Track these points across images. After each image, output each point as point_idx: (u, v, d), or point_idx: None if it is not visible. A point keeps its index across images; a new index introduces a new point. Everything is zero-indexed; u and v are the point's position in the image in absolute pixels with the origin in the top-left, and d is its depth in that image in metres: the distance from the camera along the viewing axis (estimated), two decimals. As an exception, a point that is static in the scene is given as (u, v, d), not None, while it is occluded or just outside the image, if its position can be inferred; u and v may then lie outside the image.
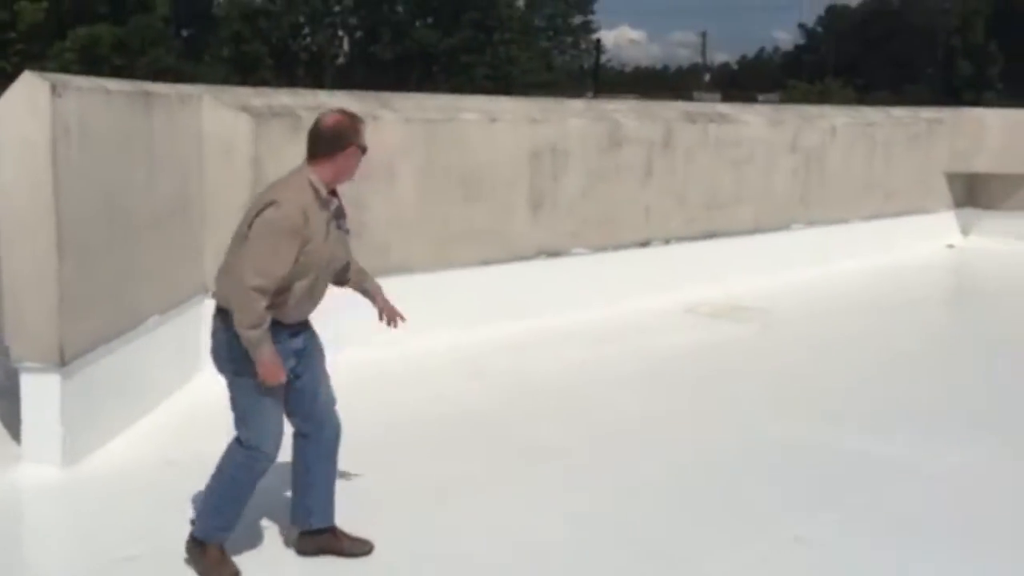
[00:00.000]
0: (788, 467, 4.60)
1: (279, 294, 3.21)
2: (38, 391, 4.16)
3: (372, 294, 3.66)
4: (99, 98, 4.61)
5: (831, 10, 75.85)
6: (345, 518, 3.63)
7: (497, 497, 4.16)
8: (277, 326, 3.26)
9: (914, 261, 10.23)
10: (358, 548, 3.54)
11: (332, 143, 3.32)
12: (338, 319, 5.03)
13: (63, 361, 4.15)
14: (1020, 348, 7.24)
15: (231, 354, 3.27)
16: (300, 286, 3.26)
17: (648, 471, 4.53)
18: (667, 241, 8.29)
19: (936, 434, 5.08)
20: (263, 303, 3.14)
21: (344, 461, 4.40)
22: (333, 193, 3.35)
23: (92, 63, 18.81)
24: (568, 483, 4.36)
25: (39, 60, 17.84)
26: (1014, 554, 3.78)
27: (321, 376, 3.53)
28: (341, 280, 3.57)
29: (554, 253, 7.48)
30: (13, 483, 4.10)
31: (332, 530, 3.54)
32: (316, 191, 3.26)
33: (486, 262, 7.02)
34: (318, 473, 3.52)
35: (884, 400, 5.76)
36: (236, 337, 3.20)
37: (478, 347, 6.36)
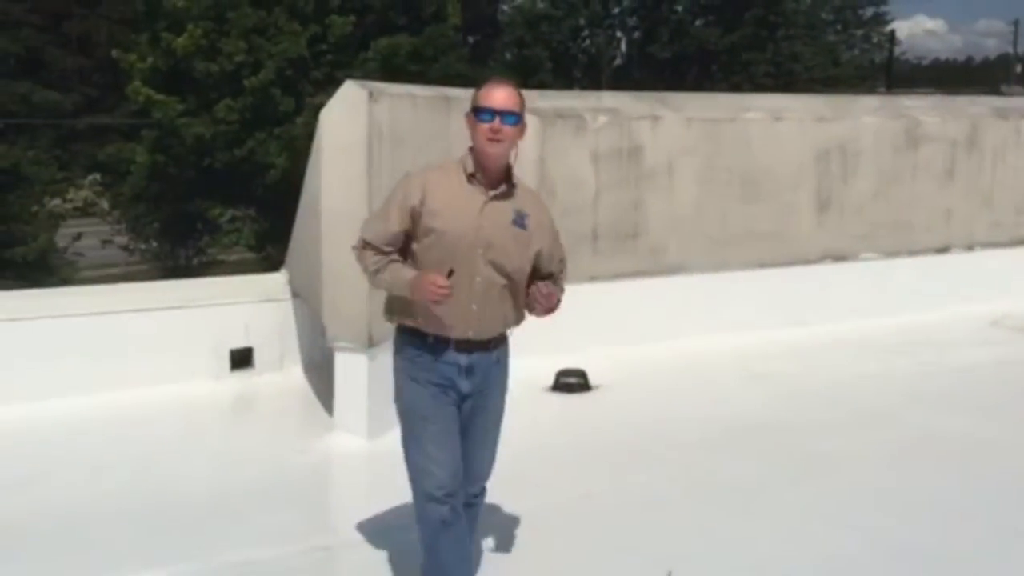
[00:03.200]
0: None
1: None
2: (349, 369, 4.61)
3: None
4: (407, 103, 5.01)
5: None
6: (628, 512, 3.61)
7: (786, 505, 4.04)
8: (415, 336, 2.89)
9: None
10: None
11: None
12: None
13: (371, 343, 4.56)
14: None
15: (394, 378, 3.00)
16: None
17: (938, 489, 4.22)
18: (970, 247, 7.63)
19: None
20: (367, 256, 2.90)
21: (625, 456, 4.42)
22: (505, 178, 2.90)
23: (391, 71, 20.30)
24: (858, 496, 4.15)
25: (346, 69, 19.54)
26: None
27: (482, 431, 2.99)
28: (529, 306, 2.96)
29: (840, 257, 7.13)
30: (326, 450, 4.58)
31: None
32: (464, 168, 2.89)
33: (764, 264, 6.83)
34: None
35: None
36: (396, 357, 2.98)
37: (756, 352, 6.21)
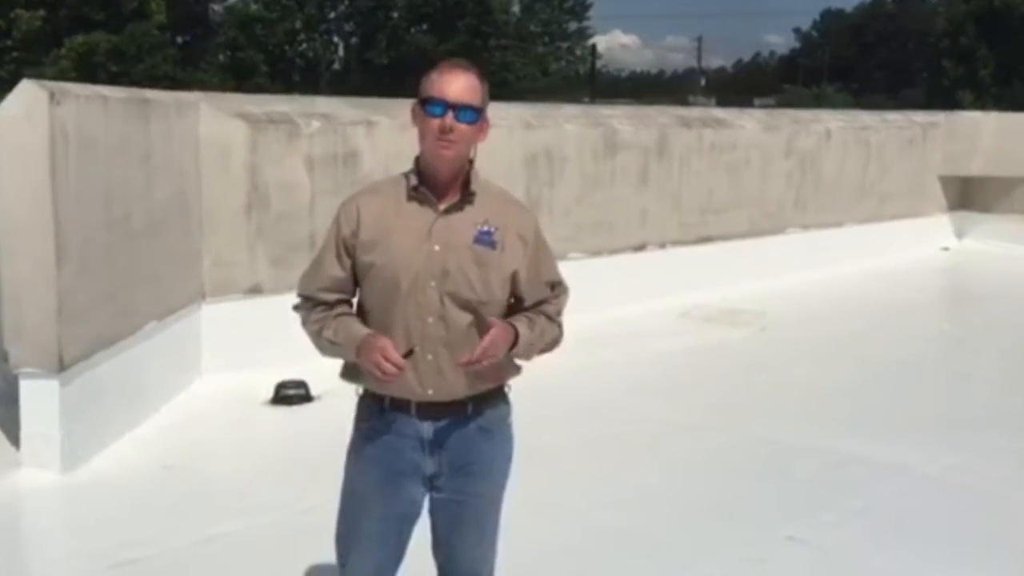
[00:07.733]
0: (783, 469, 4.63)
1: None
2: (37, 397, 4.18)
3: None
4: (97, 105, 4.64)
5: (827, 14, 76.22)
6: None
7: (507, 497, 4.17)
8: (371, 401, 2.33)
9: (909, 264, 10.27)
10: None
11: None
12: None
13: (62, 367, 4.18)
14: (1015, 350, 7.27)
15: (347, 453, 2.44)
16: (385, 322, 2.26)
17: (642, 473, 4.56)
18: (662, 245, 8.33)
19: (933, 436, 5.11)
20: (308, 316, 2.37)
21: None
22: (462, 186, 2.32)
23: (89, 71, 18.84)
24: (563, 485, 4.38)
25: (35, 67, 17.89)
26: (1014, 555, 3.81)
27: (469, 526, 2.44)
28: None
29: (550, 258, 7.51)
30: (12, 488, 4.12)
31: None
32: (407, 181, 2.32)
33: (482, 267, 7.03)
34: None
35: (880, 403, 5.79)
36: (353, 428, 2.42)
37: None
